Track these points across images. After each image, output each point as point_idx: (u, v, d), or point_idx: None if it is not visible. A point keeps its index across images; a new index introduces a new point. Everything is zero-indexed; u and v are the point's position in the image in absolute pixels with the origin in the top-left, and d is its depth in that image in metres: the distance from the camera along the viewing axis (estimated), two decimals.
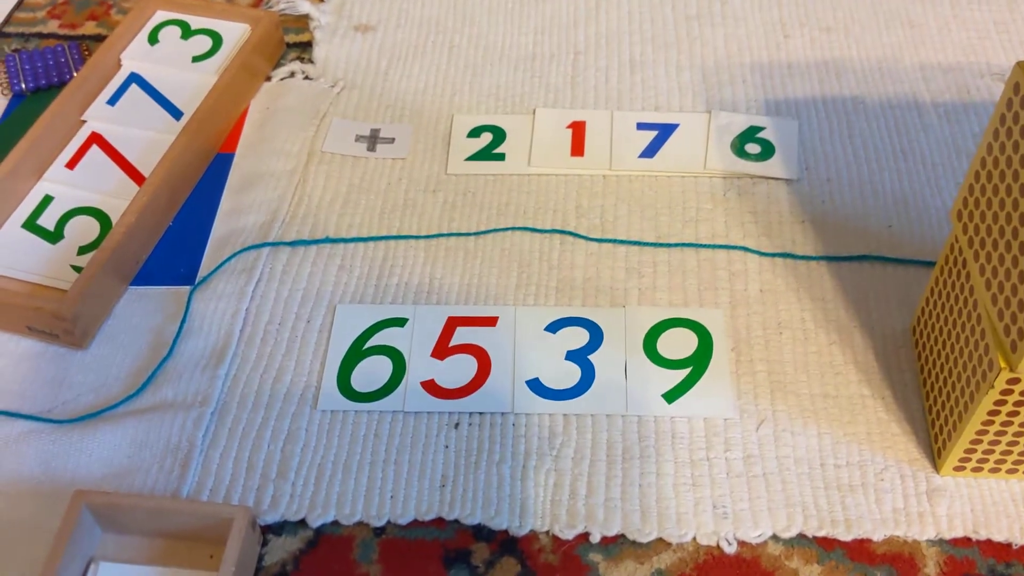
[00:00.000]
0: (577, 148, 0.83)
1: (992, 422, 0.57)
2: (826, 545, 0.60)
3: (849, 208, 0.78)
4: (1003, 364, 0.54)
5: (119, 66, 0.88)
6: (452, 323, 0.71)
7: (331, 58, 0.92)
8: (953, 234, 0.61)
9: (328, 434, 0.66)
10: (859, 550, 0.60)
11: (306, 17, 0.96)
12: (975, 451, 0.60)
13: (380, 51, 0.93)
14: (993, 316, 0.55)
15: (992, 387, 0.55)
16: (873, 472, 0.63)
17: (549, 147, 0.83)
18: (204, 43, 0.89)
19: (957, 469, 0.62)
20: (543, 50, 0.93)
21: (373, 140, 0.85)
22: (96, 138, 0.82)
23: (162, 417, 0.66)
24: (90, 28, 0.97)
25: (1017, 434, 0.58)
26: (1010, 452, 0.60)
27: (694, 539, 0.61)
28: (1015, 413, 0.56)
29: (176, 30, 0.90)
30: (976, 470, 0.62)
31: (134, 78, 0.86)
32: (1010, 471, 0.61)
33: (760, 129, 0.83)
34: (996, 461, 0.61)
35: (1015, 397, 0.55)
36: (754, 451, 0.64)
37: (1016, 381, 0.54)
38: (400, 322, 0.71)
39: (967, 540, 0.60)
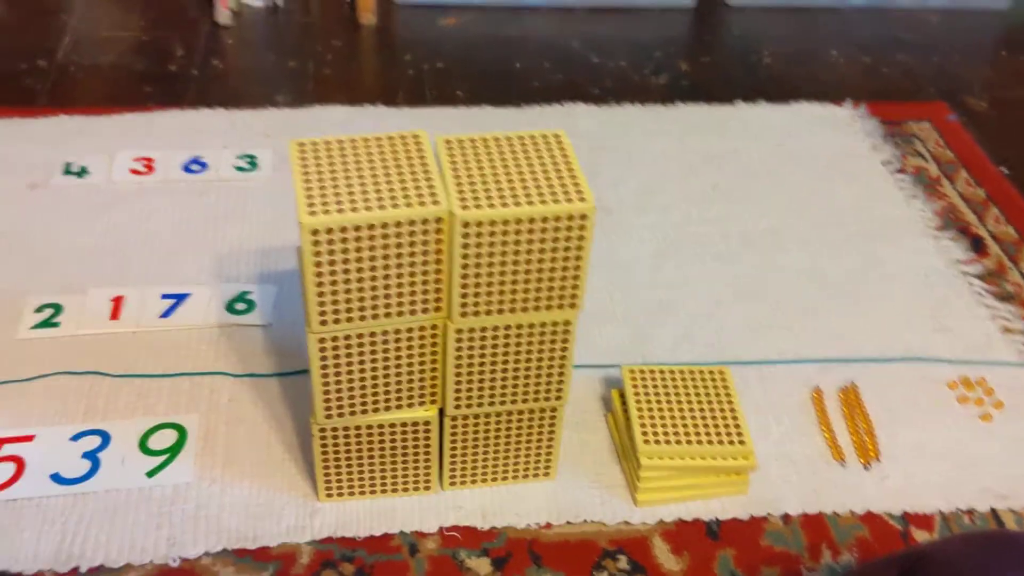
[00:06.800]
0: (115, 314, 1.16)
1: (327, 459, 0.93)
2: (240, 554, 0.93)
3: (299, 333, 1.15)
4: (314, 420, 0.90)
5: None
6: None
7: None
8: None
9: None
10: (261, 554, 0.93)
11: None
12: (331, 483, 0.96)
13: None
14: None
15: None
16: (278, 504, 0.97)
17: (93, 314, 1.16)
18: None
19: (328, 496, 0.97)
20: (106, 243, 1.26)
21: None
22: None
23: None
24: None
25: (347, 467, 0.94)
26: (351, 480, 0.96)
27: (151, 561, 0.91)
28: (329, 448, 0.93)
29: None
30: (339, 495, 0.97)
31: None
32: (360, 494, 0.97)
33: (248, 292, 1.20)
34: (348, 491, 0.96)
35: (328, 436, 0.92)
36: (203, 501, 0.97)
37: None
38: None
39: (330, 539, 0.95)
